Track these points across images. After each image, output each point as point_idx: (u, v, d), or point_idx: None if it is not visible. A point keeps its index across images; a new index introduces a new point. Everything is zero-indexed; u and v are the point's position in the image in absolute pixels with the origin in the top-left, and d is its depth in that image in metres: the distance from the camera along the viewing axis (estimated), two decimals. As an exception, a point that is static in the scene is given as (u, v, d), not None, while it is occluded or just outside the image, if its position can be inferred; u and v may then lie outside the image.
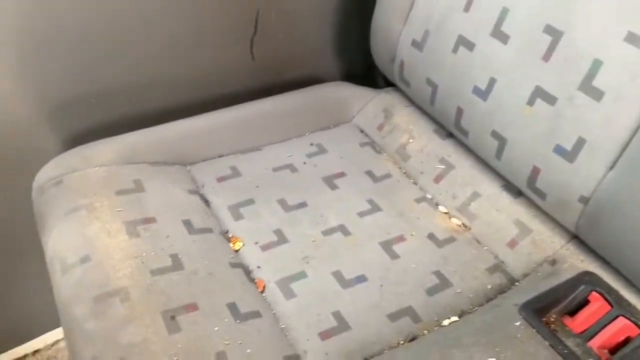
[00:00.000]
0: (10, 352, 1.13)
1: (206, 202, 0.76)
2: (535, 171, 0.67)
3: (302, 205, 0.76)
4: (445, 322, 0.63)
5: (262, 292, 0.65)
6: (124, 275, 0.61)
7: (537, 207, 0.72)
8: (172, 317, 0.57)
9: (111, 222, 0.66)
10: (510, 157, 0.70)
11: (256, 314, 0.61)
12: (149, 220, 0.68)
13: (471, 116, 0.74)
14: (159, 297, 0.59)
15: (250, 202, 0.75)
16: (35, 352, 1.16)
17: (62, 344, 1.18)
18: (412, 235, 0.73)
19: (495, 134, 0.71)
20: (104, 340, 0.54)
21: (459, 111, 0.76)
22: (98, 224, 0.66)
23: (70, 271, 0.62)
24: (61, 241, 0.65)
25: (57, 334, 1.17)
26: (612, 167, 0.59)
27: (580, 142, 0.61)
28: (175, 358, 0.53)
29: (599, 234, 0.62)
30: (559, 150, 0.63)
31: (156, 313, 0.57)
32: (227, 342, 0.56)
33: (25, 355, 1.15)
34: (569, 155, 0.62)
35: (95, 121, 0.90)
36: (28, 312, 1.11)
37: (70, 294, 0.59)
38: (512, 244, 0.70)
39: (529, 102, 0.66)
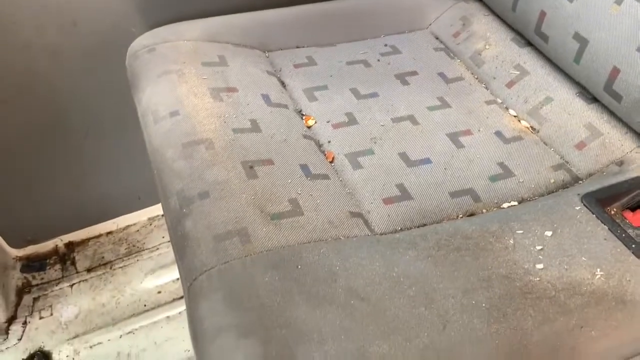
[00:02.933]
0: (88, 229, 1.25)
1: (282, 83, 0.80)
2: (615, 72, 0.66)
3: (374, 95, 0.79)
4: (505, 205, 0.65)
5: (331, 162, 0.69)
6: (208, 129, 0.66)
7: (610, 113, 0.71)
8: (251, 167, 0.63)
9: (198, 87, 0.72)
10: (590, 59, 0.70)
11: (325, 176, 0.65)
12: (231, 90, 0.73)
13: (554, 19, 0.74)
14: (239, 150, 0.64)
15: (324, 87, 0.79)
16: (109, 233, 1.27)
17: (133, 229, 1.28)
18: (479, 130, 0.74)
19: (577, 36, 0.71)
20: (191, 176, 0.60)
21: (542, 15, 0.76)
22: (186, 86, 0.71)
23: (161, 122, 0.68)
24: (154, 97, 0.71)
25: (128, 219, 1.27)
26: (698, 63, 0.58)
27: (667, 39, 0.60)
28: (252, 197, 0.59)
29: (674, 134, 0.61)
30: (643, 49, 0.63)
31: (237, 161, 0.63)
32: (299, 192, 0.61)
33: (100, 235, 1.26)
34: (653, 52, 0.61)
35: (180, 11, 0.94)
36: (106, 196, 1.21)
37: (162, 140, 0.66)
38: (580, 145, 0.71)
39: (616, 0, 0.65)
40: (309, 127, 0.74)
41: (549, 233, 0.57)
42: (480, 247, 0.56)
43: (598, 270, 0.53)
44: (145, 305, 1.13)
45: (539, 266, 0.54)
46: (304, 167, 0.65)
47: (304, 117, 0.75)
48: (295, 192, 0.61)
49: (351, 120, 0.74)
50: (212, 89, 0.72)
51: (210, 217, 0.56)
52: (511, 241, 0.56)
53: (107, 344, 1.06)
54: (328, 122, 0.74)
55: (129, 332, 1.08)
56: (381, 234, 0.60)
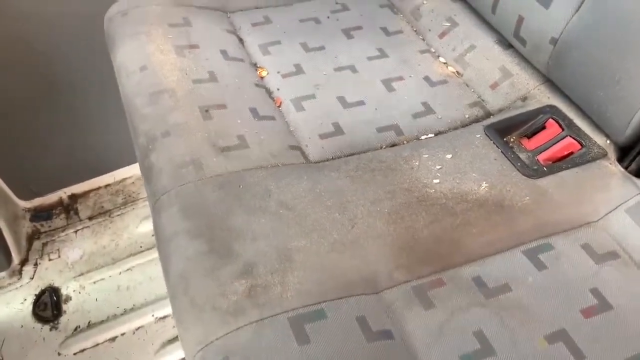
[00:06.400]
0: (88, 182, 1.38)
1: (241, 40, 0.91)
2: (520, 20, 0.77)
3: (321, 48, 0.90)
4: (423, 137, 0.77)
5: (279, 106, 0.81)
6: (171, 80, 0.78)
7: (521, 57, 0.82)
8: (206, 111, 0.75)
9: (164, 45, 0.83)
10: (502, 9, 0.80)
11: (271, 118, 0.77)
12: (193, 47, 0.84)
13: (475, -26, 0.84)
14: (197, 97, 0.76)
15: (277, 42, 0.90)
16: (107, 185, 1.41)
17: (129, 181, 1.42)
18: (410, 76, 0.85)
19: (492, -11, 0.81)
20: (156, 119, 0.73)
21: (466, -29, 0.86)
22: (153, 45, 0.83)
23: (132, 76, 0.80)
24: (126, 55, 0.82)
25: (124, 172, 1.41)
26: (577, 10, 0.69)
27: (557, -11, 0.70)
28: (206, 135, 0.71)
29: (563, 70, 0.72)
30: (540, -2, 0.73)
31: (194, 107, 0.75)
32: (246, 130, 0.73)
33: (99, 187, 1.40)
34: (546, 1, 0.72)
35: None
36: (103, 151, 1.34)
37: (132, 90, 0.78)
38: (494, 85, 0.82)
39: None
40: (261, 78, 0.85)
41: (449, 156, 0.69)
42: (390, 168, 0.68)
43: (484, 183, 0.66)
44: (140, 247, 1.27)
45: (436, 181, 0.66)
46: (253, 110, 0.77)
47: (258, 69, 0.87)
48: (243, 130, 0.73)
49: (298, 70, 0.85)
50: (176, 46, 0.83)
51: (170, 151, 0.69)
52: (417, 163, 0.69)
53: (108, 280, 1.21)
54: (278, 72, 0.85)
55: (127, 269, 1.23)
56: (315, 163, 0.73)
